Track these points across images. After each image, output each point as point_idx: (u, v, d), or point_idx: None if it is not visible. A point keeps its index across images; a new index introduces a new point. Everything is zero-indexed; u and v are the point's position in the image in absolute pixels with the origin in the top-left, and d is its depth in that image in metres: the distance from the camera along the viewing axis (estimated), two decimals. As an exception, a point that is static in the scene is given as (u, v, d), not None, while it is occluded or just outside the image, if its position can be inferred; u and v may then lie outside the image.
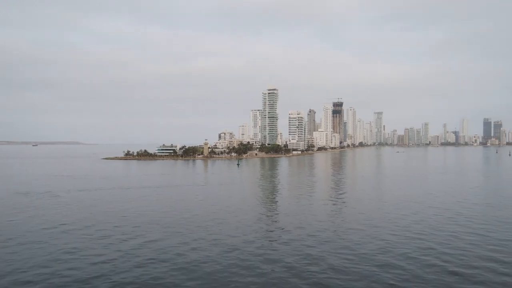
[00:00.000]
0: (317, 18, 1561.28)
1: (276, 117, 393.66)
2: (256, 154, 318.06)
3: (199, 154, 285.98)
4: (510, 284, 33.05)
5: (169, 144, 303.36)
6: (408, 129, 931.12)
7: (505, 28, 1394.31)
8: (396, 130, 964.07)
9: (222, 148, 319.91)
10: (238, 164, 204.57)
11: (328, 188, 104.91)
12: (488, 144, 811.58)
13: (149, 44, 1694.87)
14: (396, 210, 67.53)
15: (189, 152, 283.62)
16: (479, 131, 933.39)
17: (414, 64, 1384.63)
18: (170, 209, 69.68)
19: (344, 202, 78.37)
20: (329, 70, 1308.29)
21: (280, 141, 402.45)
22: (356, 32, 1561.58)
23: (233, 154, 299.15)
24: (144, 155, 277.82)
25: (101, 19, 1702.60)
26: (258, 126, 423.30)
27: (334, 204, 75.42)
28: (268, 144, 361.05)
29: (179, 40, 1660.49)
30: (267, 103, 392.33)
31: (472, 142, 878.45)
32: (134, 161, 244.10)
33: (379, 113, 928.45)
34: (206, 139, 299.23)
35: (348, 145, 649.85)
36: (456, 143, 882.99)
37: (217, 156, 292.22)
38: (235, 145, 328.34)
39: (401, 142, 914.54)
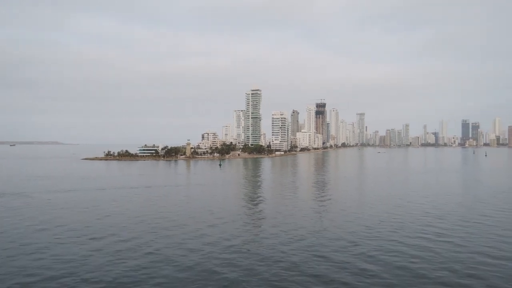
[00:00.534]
0: (301, 19, 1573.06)
1: (259, 118, 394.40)
2: (238, 154, 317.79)
3: (181, 155, 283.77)
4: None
5: (151, 145, 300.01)
6: (389, 130, 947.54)
7: (484, 32, 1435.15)
8: (378, 131, 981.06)
9: (205, 149, 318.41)
10: (220, 165, 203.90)
11: (310, 188, 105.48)
12: (466, 145, 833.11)
13: (134, 44, 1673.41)
14: (376, 211, 68.50)
15: (171, 153, 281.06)
16: (458, 132, 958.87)
17: (396, 65, 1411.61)
18: (146, 210, 68.79)
19: (326, 202, 78.99)
20: (313, 71, 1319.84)
21: (263, 142, 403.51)
22: (339, 33, 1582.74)
23: (215, 154, 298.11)
24: (125, 156, 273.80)
25: (85, 18, 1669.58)
26: (241, 127, 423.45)
27: (316, 205, 75.89)
28: (251, 145, 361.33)
29: (164, 40, 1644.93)
30: (250, 104, 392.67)
31: (451, 143, 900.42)
32: (115, 162, 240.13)
33: (362, 114, 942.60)
34: (188, 140, 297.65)
35: (331, 146, 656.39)
36: (436, 144, 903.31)
37: (200, 156, 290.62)
38: (218, 145, 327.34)
39: (383, 143, 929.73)
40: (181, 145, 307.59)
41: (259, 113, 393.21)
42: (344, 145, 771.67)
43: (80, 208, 70.45)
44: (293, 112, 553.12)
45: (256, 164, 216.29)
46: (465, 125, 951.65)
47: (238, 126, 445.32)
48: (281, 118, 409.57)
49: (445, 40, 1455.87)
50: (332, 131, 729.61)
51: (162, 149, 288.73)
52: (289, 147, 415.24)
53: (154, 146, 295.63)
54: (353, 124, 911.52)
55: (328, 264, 38.40)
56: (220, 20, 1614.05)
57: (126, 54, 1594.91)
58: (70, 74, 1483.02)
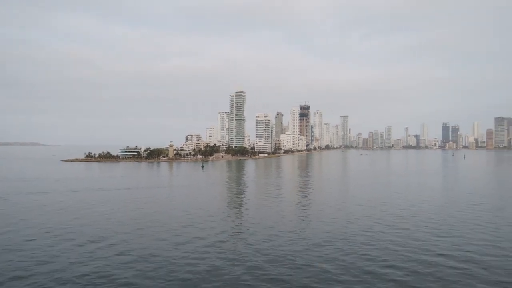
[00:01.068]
0: (285, 22, 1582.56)
1: (243, 120, 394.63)
2: (222, 156, 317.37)
3: (164, 156, 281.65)
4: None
5: (134, 146, 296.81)
6: (372, 132, 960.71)
7: (464, 37, 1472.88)
8: (361, 134, 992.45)
9: (188, 150, 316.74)
10: (202, 167, 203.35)
11: (292, 190, 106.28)
12: (446, 148, 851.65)
13: (118, 43, 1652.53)
14: (358, 211, 69.87)
15: (154, 154, 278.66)
16: (438, 135, 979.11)
17: (377, 69, 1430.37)
18: (121, 211, 68.38)
19: (309, 204, 79.97)
20: (297, 74, 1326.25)
21: (247, 144, 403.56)
22: (323, 37, 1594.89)
23: (199, 156, 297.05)
24: (106, 157, 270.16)
25: (68, 17, 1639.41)
26: (225, 129, 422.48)
27: (299, 206, 76.74)
28: (235, 147, 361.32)
29: (146, 40, 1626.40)
30: (234, 106, 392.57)
31: (432, 145, 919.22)
32: (95, 164, 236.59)
33: (345, 117, 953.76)
34: (171, 141, 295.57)
35: (315, 148, 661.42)
36: (417, 146, 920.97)
37: (183, 158, 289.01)
38: (202, 147, 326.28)
39: (366, 145, 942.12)
40: (164, 146, 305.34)
41: (243, 115, 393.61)
42: (328, 147, 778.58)
43: (46, 211, 69.43)
44: (277, 114, 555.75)
45: (239, 166, 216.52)
46: (445, 128, 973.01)
47: (222, 128, 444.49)
48: (265, 120, 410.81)
49: (426, 45, 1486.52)
50: (316, 134, 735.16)
51: (145, 150, 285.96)
52: (273, 149, 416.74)
53: (136, 147, 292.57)
54: (336, 127, 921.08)
55: (293, 264, 39.16)
56: (205, 21, 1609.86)
57: (109, 54, 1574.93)
58: (51, 74, 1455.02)
